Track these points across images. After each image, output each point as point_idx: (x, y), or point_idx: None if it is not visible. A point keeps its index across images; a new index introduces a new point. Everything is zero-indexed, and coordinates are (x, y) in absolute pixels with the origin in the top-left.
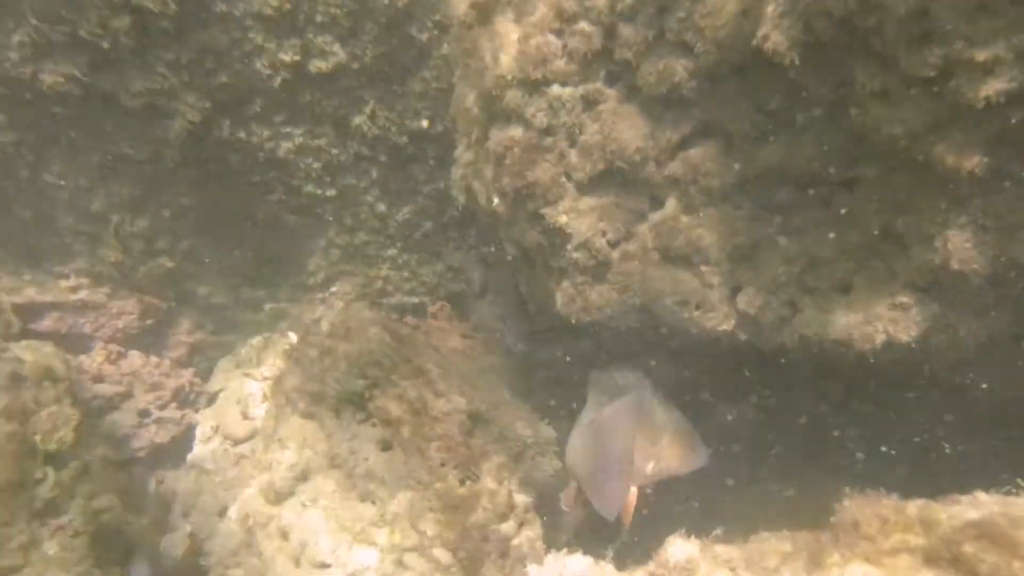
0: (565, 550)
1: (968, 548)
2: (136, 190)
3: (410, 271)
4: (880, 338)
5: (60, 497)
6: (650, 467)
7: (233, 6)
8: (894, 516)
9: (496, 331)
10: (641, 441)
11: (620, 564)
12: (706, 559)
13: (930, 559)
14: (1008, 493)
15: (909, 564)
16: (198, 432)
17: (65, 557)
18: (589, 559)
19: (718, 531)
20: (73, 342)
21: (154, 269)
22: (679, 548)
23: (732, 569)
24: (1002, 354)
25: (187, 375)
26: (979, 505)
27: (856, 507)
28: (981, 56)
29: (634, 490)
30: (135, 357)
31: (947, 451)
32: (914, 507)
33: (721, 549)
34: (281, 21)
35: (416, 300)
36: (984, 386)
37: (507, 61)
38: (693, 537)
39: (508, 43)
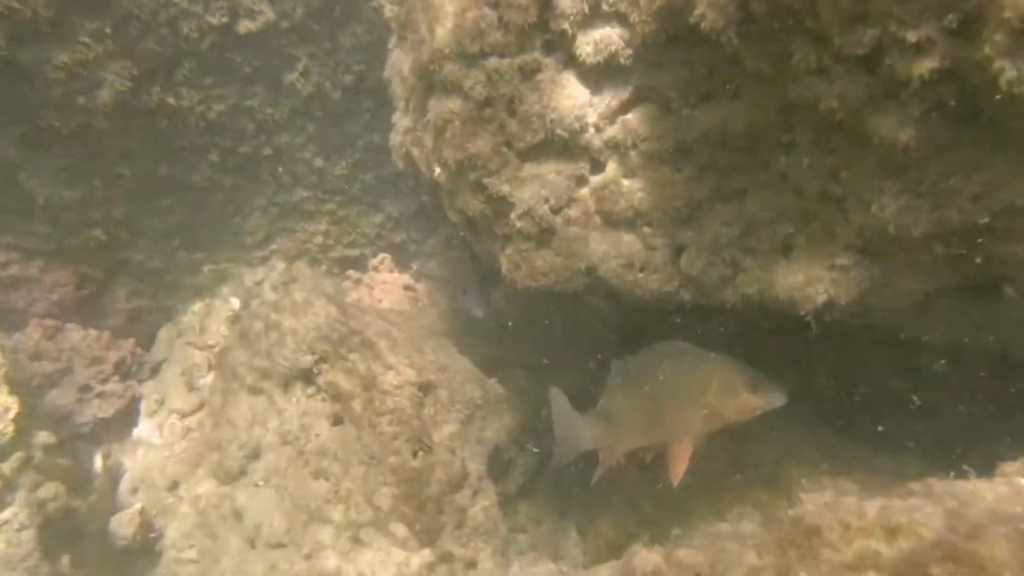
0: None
1: (936, 571)
2: (64, 161)
3: (350, 224)
4: (821, 299)
5: (3, 491)
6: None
7: None
8: (856, 521)
9: (440, 280)
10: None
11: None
12: (672, 569)
13: None
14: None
15: None
16: (143, 406)
17: (12, 553)
18: (552, 566)
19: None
20: (7, 319)
21: (88, 240)
22: (643, 558)
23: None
24: (940, 309)
25: (128, 345)
26: (934, 497)
27: (816, 508)
28: (913, 36)
29: (688, 444)
30: (73, 331)
31: (916, 403)
32: (873, 508)
33: (684, 554)
34: None
35: (357, 252)
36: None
37: (443, 34)
38: (657, 546)
39: (444, 15)
